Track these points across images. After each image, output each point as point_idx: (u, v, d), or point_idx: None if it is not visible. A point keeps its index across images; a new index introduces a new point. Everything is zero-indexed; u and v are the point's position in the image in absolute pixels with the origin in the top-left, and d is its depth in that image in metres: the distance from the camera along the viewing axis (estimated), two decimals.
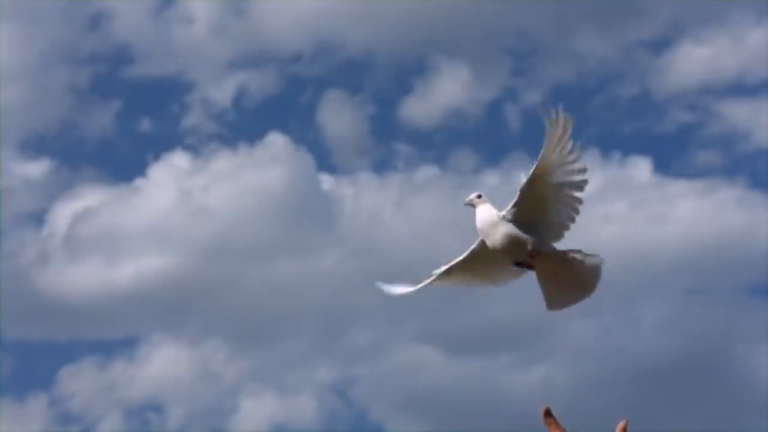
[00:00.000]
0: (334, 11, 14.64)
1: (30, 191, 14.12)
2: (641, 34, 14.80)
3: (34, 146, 14.45)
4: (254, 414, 12.35)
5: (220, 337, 13.07)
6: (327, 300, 13.15)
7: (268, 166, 14.14)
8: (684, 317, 12.82)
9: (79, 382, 12.74)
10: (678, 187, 14.01)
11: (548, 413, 2.53)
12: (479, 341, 12.55)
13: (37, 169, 14.14)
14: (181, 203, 13.75)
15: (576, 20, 14.99)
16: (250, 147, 14.54)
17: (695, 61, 14.42)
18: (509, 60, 14.89)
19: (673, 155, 14.84)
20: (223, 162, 14.26)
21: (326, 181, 14.32)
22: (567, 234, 3.92)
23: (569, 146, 3.74)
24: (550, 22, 14.84)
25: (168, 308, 13.27)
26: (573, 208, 3.87)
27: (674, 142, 14.44)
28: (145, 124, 14.73)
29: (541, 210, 3.85)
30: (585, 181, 3.85)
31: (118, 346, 13.15)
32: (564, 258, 3.89)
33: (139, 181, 14.10)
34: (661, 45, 14.90)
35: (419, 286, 4.05)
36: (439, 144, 14.88)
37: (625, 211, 13.44)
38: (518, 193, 3.84)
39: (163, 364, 12.86)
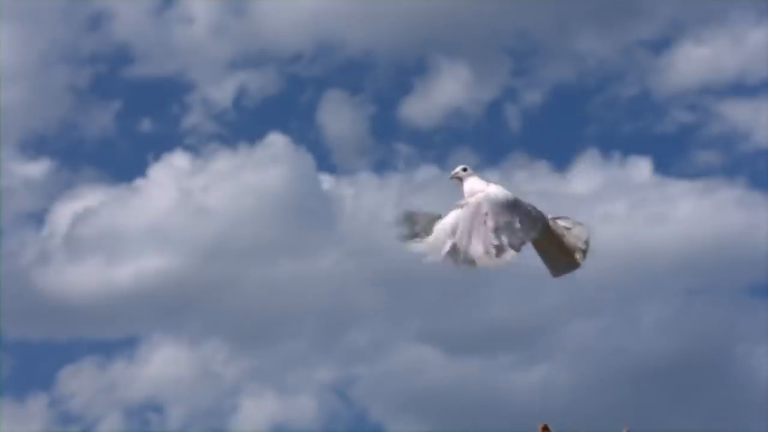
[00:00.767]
0: (334, 11, 14.66)
1: (30, 191, 14.15)
2: (641, 34, 14.82)
3: (34, 146, 14.49)
4: (254, 414, 12.36)
5: (220, 337, 13.09)
6: (327, 300, 13.16)
7: (268, 166, 14.16)
8: (684, 317, 12.84)
9: (79, 382, 12.76)
10: (678, 187, 14.03)
11: (546, 430, 2.54)
12: (479, 341, 12.56)
13: (37, 169, 14.17)
14: (181, 203, 13.77)
15: (576, 20, 15.01)
16: (250, 147, 14.56)
17: (695, 61, 14.44)
18: (509, 60, 14.92)
19: (673, 155, 14.86)
20: (223, 162, 14.28)
21: (326, 181, 14.35)
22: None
23: None
24: (550, 22, 14.86)
25: (168, 308, 13.28)
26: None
27: (674, 142, 14.46)
28: (145, 124, 14.75)
29: None
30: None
31: (118, 346, 13.18)
32: (554, 229, 3.91)
33: (139, 181, 14.13)
34: (661, 45, 14.93)
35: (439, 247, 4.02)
36: (439, 144, 14.89)
37: (625, 211, 13.45)
38: None
39: (163, 364, 12.88)
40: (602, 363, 12.23)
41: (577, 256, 3.96)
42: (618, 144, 14.82)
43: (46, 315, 13.07)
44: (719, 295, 13.16)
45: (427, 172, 14.13)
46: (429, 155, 14.72)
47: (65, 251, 13.46)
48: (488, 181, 4.02)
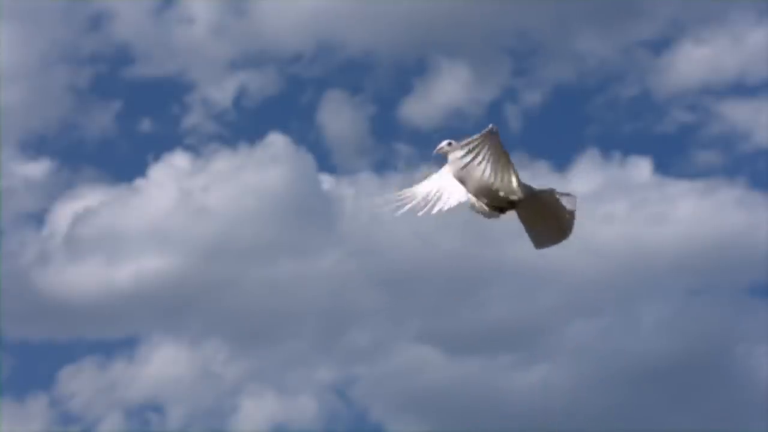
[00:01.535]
0: (334, 11, 14.65)
1: (30, 191, 14.12)
2: (641, 34, 14.80)
3: (34, 146, 14.45)
4: (254, 414, 12.35)
5: (220, 337, 13.08)
6: (327, 300, 13.15)
7: (269, 166, 14.15)
8: (684, 317, 12.82)
9: (79, 382, 12.74)
10: (678, 187, 14.01)
11: None
12: (479, 341, 12.55)
13: (37, 169, 14.14)
14: (181, 203, 13.75)
15: (576, 20, 15.00)
16: (251, 147, 14.54)
17: (695, 61, 14.42)
18: (509, 60, 14.90)
19: (673, 155, 14.83)
20: (223, 162, 14.26)
21: (326, 181, 14.33)
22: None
23: None
24: (550, 22, 14.84)
25: (168, 308, 13.27)
26: None
27: (674, 142, 14.44)
28: (145, 124, 14.73)
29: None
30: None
31: (118, 346, 13.14)
32: (541, 200, 3.90)
33: (139, 182, 14.09)
34: (661, 45, 14.90)
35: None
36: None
37: (625, 211, 13.44)
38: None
39: (163, 364, 12.86)
40: (602, 363, 12.23)
41: (563, 226, 3.91)
42: (618, 144, 14.81)
43: (46, 315, 13.07)
44: (719, 295, 13.16)
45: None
46: (429, 155, 14.68)
47: (65, 251, 13.46)
48: None
